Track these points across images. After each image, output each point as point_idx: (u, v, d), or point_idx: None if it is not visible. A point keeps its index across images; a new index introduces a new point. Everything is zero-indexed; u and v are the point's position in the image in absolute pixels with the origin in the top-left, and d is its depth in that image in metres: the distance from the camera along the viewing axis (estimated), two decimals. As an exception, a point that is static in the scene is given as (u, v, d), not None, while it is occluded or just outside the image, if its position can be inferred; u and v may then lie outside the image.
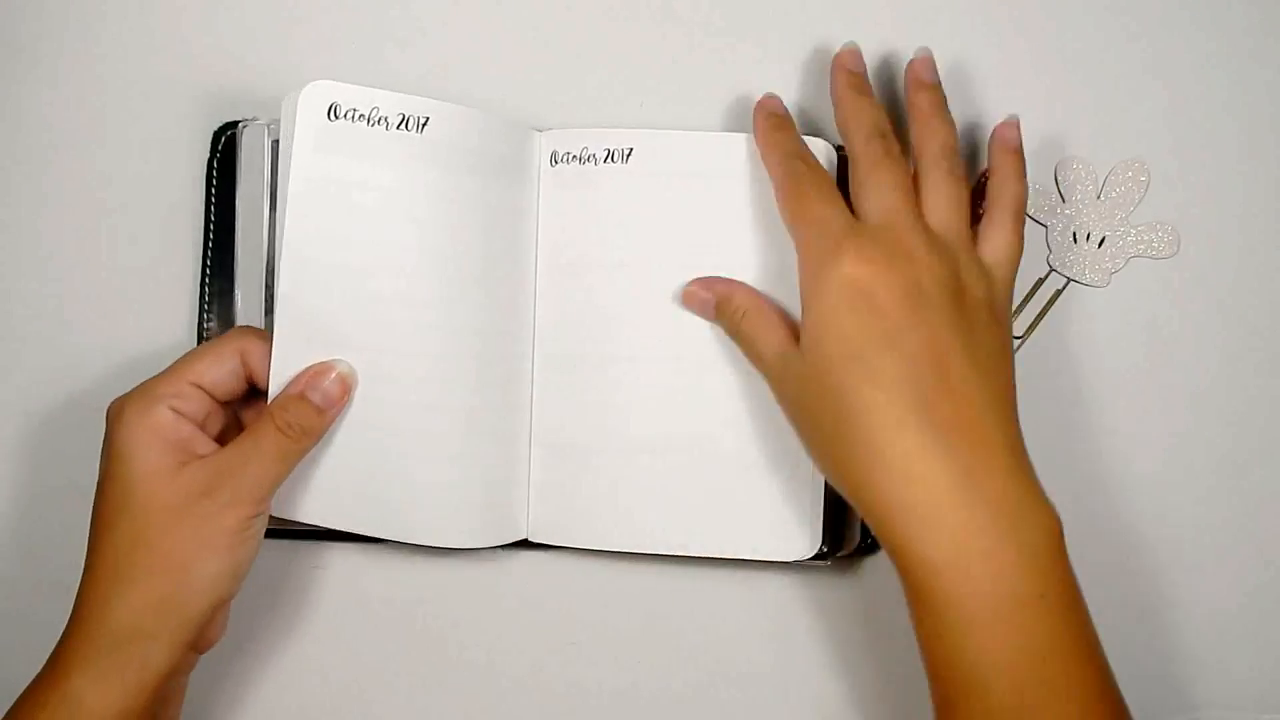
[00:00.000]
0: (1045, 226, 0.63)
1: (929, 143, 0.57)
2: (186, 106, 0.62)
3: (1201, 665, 0.62)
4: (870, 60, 0.62)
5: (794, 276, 0.56)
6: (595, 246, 0.60)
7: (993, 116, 0.63)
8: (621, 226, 0.60)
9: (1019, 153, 0.59)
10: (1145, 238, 0.63)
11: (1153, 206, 0.63)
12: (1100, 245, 0.63)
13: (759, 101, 0.60)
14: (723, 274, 0.59)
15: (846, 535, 0.60)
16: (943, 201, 0.55)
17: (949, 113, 0.58)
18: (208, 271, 0.61)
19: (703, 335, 0.59)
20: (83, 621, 0.53)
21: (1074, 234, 0.63)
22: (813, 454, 0.55)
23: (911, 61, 0.59)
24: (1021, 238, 0.57)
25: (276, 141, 0.60)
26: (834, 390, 0.52)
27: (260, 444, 0.54)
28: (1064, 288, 0.63)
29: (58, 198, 0.62)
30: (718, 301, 0.58)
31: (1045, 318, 0.63)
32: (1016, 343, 0.62)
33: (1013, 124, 0.59)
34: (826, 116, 0.62)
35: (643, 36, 0.63)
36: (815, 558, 0.59)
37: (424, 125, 0.57)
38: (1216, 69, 0.63)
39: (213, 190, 0.61)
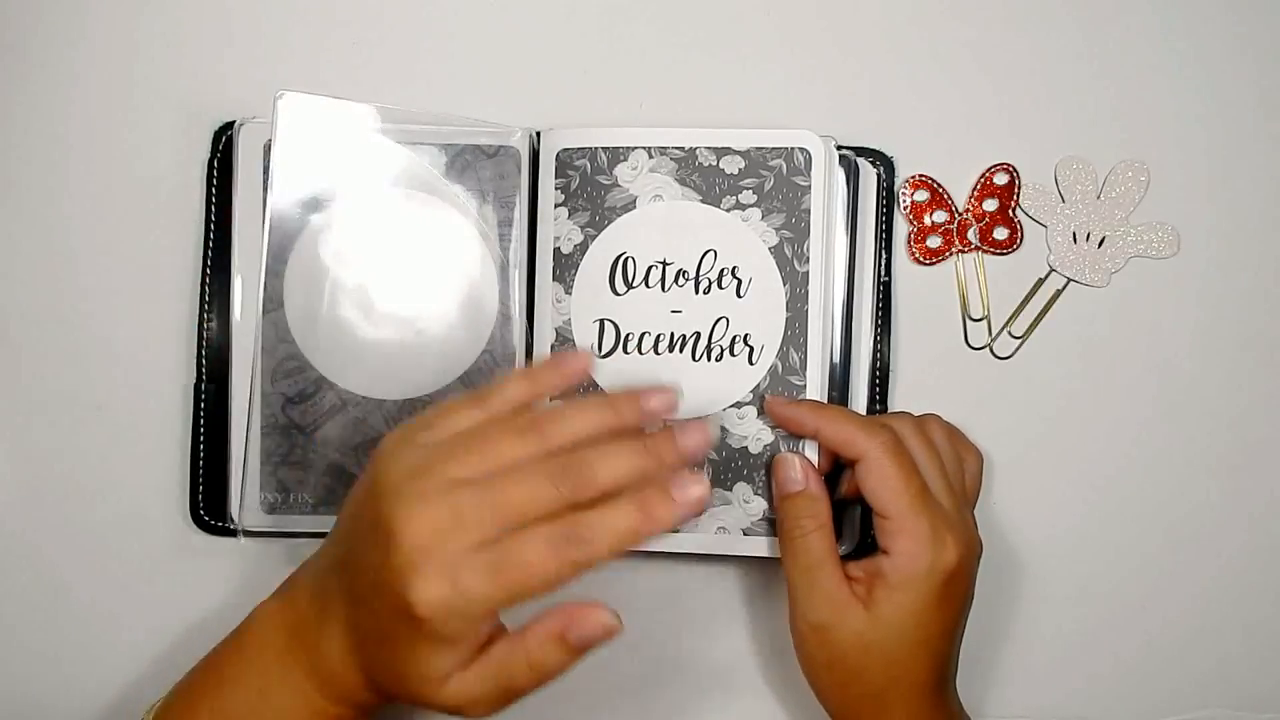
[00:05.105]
0: (1045, 226, 0.63)
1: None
2: (186, 106, 0.62)
3: (1201, 665, 0.62)
4: (870, 58, 0.62)
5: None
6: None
7: (994, 117, 0.63)
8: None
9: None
10: (1145, 238, 0.63)
11: (1153, 206, 0.63)
12: (1100, 245, 0.63)
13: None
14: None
15: (846, 533, 0.60)
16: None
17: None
18: (208, 271, 0.61)
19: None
20: None
21: (1074, 234, 0.63)
22: (824, 697, 0.56)
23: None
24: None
25: (270, 141, 0.60)
26: (891, 664, 0.54)
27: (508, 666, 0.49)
28: (1064, 288, 0.63)
29: (59, 198, 0.62)
30: (797, 494, 0.57)
31: (1045, 318, 0.63)
32: (1016, 342, 0.62)
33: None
34: (827, 114, 0.62)
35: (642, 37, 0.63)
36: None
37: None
38: (1216, 70, 0.63)
39: (213, 190, 0.61)
